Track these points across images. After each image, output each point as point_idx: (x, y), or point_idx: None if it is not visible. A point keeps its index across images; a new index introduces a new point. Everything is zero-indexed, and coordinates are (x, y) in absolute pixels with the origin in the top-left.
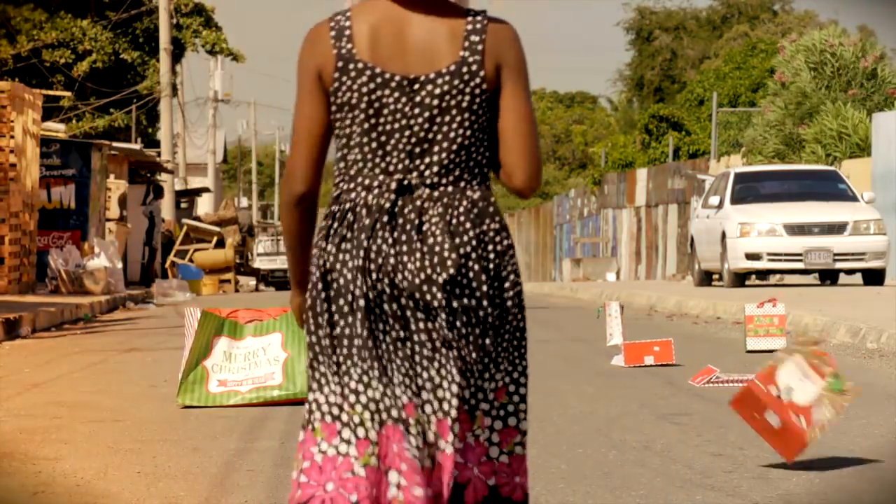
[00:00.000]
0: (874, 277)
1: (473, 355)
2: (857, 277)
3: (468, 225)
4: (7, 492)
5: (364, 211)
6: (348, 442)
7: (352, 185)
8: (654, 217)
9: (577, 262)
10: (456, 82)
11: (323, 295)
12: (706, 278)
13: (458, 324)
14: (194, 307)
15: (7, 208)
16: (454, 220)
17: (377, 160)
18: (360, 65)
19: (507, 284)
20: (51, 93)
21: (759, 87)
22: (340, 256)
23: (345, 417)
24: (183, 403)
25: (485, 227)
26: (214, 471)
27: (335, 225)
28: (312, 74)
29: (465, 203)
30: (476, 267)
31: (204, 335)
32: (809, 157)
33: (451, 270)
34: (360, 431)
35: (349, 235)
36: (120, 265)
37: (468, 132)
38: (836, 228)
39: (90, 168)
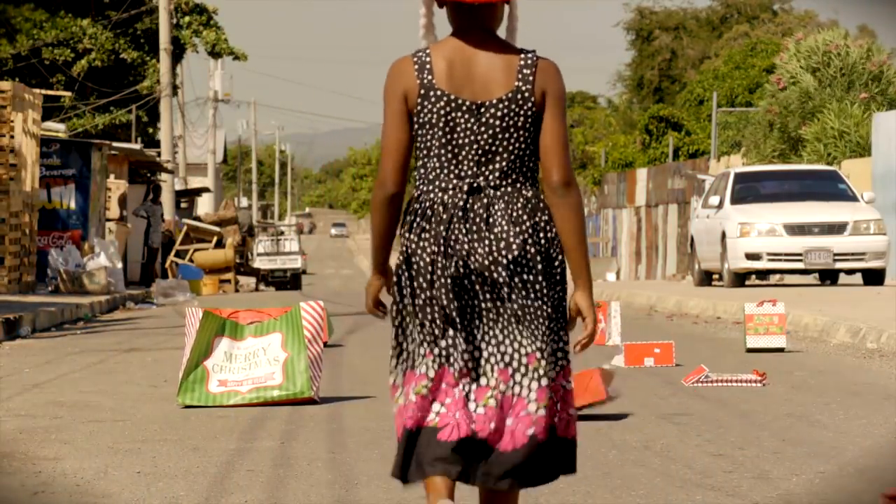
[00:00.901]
0: (874, 277)
1: (529, 319)
2: (857, 277)
3: (524, 217)
4: (7, 492)
5: (441, 208)
6: (417, 378)
7: (430, 187)
8: (654, 217)
9: None
10: (513, 107)
11: (406, 273)
12: (706, 278)
13: (515, 296)
14: (194, 307)
15: (7, 208)
16: (514, 214)
17: (452, 167)
18: (438, 92)
19: (556, 263)
20: (51, 93)
21: (758, 87)
22: (421, 244)
23: (418, 360)
24: (183, 403)
25: (537, 219)
26: (214, 471)
27: (417, 219)
28: (399, 98)
29: (521, 200)
30: (532, 250)
31: (205, 335)
32: (810, 157)
33: (515, 252)
34: (422, 368)
35: (427, 227)
36: (120, 265)
37: (523, 145)
38: (836, 228)
39: (90, 168)
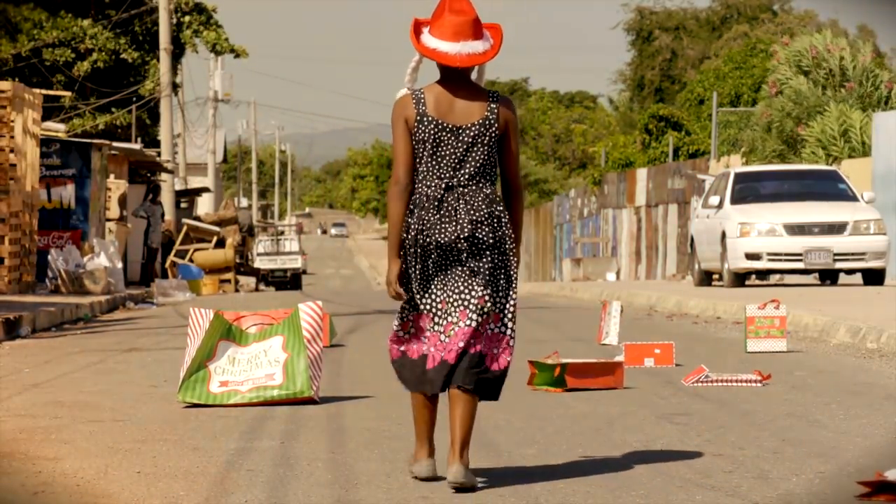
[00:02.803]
0: (874, 277)
1: (485, 279)
2: (857, 277)
3: (483, 207)
4: (7, 492)
5: (425, 199)
6: (417, 322)
7: (421, 186)
8: (654, 217)
9: (577, 262)
10: (482, 129)
11: (406, 244)
12: (706, 278)
13: (473, 261)
14: (195, 307)
15: (7, 208)
16: (475, 205)
17: (435, 171)
18: (429, 118)
19: (504, 239)
20: (51, 93)
21: (761, 86)
22: (413, 224)
23: (420, 308)
24: (184, 401)
25: (493, 208)
26: (214, 471)
27: (412, 207)
28: (402, 122)
29: (481, 195)
30: (486, 229)
31: (210, 338)
32: (810, 157)
33: (466, 233)
34: (421, 311)
35: (417, 213)
36: (120, 265)
37: (486, 157)
38: (836, 228)
39: (90, 168)
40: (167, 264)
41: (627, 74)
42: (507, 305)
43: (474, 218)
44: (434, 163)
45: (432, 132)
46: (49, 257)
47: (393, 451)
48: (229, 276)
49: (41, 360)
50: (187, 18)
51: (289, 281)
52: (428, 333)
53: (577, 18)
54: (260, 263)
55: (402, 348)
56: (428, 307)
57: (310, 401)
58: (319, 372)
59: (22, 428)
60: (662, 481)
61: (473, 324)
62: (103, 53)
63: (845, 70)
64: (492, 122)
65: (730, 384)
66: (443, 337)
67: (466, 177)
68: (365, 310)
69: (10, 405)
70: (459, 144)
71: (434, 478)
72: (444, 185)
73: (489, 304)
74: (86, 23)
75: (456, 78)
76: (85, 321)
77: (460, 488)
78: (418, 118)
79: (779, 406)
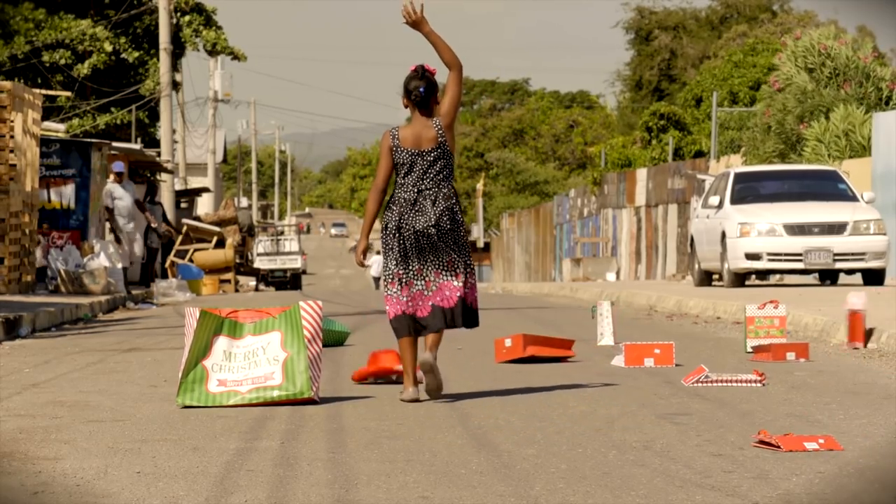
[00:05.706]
0: (874, 277)
1: (449, 252)
2: (857, 277)
3: (443, 202)
4: (7, 492)
5: (402, 200)
6: (400, 288)
7: (398, 191)
8: (654, 217)
9: (577, 262)
10: (438, 150)
11: (386, 232)
12: (706, 278)
13: (440, 242)
14: (194, 307)
15: (7, 208)
16: (438, 201)
17: (408, 182)
18: (403, 149)
19: (460, 225)
20: (50, 92)
21: (761, 86)
22: (392, 218)
23: (401, 279)
24: (183, 404)
25: (450, 203)
26: (214, 471)
27: (391, 206)
28: (388, 147)
29: (441, 194)
30: (446, 218)
31: (203, 335)
32: (810, 157)
33: (433, 221)
34: (396, 281)
35: (396, 210)
36: (120, 265)
37: (443, 165)
38: (836, 228)
39: (90, 168)
40: (167, 264)
41: (626, 74)
42: (465, 267)
43: (438, 210)
44: (409, 176)
45: (408, 157)
46: (49, 257)
47: (393, 451)
48: (229, 276)
49: (41, 360)
50: (187, 18)
51: (288, 281)
52: (410, 292)
53: (577, 18)
54: (260, 263)
55: (396, 310)
56: (412, 274)
57: (310, 401)
58: (319, 372)
59: (22, 428)
60: (662, 481)
61: (449, 279)
62: (102, 54)
63: (848, 68)
64: (442, 142)
65: (729, 384)
66: (426, 292)
67: (430, 182)
68: (365, 310)
69: (10, 405)
70: (424, 162)
71: (418, 399)
72: (416, 190)
73: (458, 264)
74: (85, 23)
75: (420, 121)
76: (85, 321)
77: (431, 390)
78: (399, 149)
79: (779, 406)
